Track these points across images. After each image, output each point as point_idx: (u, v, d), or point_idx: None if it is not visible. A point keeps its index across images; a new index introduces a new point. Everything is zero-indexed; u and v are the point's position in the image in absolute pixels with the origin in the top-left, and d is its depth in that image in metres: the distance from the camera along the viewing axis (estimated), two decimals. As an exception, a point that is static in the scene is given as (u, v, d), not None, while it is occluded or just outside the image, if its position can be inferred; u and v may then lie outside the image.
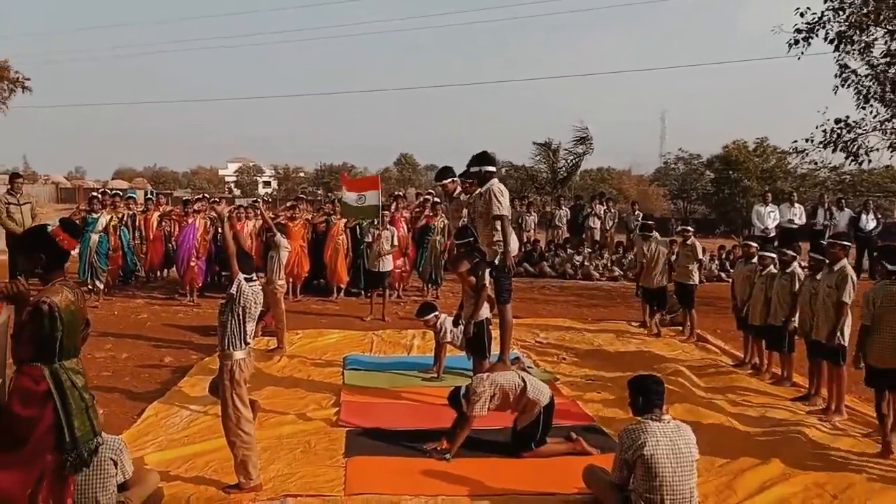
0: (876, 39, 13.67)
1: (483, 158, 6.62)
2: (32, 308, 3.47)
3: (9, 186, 11.86)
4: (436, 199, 14.03)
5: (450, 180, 7.04)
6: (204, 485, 4.87)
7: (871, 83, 13.88)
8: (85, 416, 3.58)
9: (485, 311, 6.84)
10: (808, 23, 13.96)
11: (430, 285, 13.29)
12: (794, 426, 6.20)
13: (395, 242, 11.39)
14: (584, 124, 21.55)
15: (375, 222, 11.36)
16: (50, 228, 3.72)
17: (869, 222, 15.84)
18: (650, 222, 10.98)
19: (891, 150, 13.90)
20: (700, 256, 10.17)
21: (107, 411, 6.10)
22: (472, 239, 6.83)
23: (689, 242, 10.10)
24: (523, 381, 5.62)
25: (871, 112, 13.95)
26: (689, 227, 10.43)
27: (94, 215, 11.88)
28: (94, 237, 11.65)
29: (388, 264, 11.15)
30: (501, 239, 6.50)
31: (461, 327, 7.04)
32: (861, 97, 13.95)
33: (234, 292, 4.75)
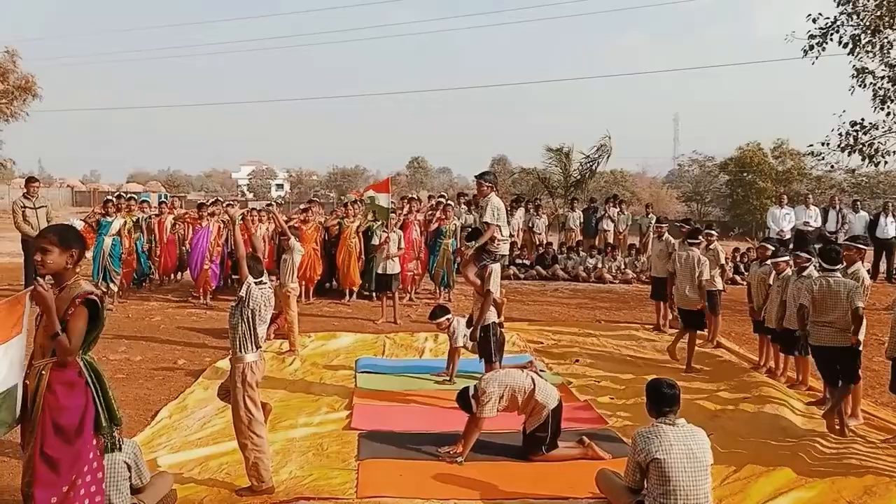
0: (892, 42, 13.56)
1: (485, 176, 7.37)
2: (83, 301, 3.52)
3: (25, 190, 11.95)
4: (448, 202, 14.04)
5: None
6: (217, 487, 4.89)
7: (888, 84, 13.76)
8: (113, 398, 3.77)
9: (492, 315, 6.83)
10: (821, 28, 13.89)
11: (442, 288, 13.29)
12: (810, 430, 6.14)
13: (402, 245, 11.39)
14: (607, 135, 21.72)
15: (384, 224, 11.37)
16: (81, 227, 3.80)
17: (888, 225, 15.59)
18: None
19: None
20: (722, 261, 10.01)
21: (121, 414, 6.12)
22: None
23: (711, 247, 9.93)
24: (533, 382, 5.60)
25: (888, 113, 13.82)
26: (713, 231, 10.26)
27: (109, 219, 11.95)
28: (108, 240, 11.71)
29: (395, 267, 11.12)
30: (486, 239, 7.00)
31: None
32: (878, 99, 13.83)
33: (244, 295, 4.77)
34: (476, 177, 7.48)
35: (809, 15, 13.96)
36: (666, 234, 10.97)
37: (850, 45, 13.70)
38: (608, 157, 22.01)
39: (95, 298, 3.58)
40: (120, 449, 3.99)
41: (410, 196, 15.24)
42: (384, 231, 11.26)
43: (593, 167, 22.27)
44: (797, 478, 5.11)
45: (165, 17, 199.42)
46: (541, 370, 8.05)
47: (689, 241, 8.93)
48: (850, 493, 4.89)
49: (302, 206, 14.29)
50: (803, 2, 14.78)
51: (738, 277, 15.76)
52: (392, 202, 12.15)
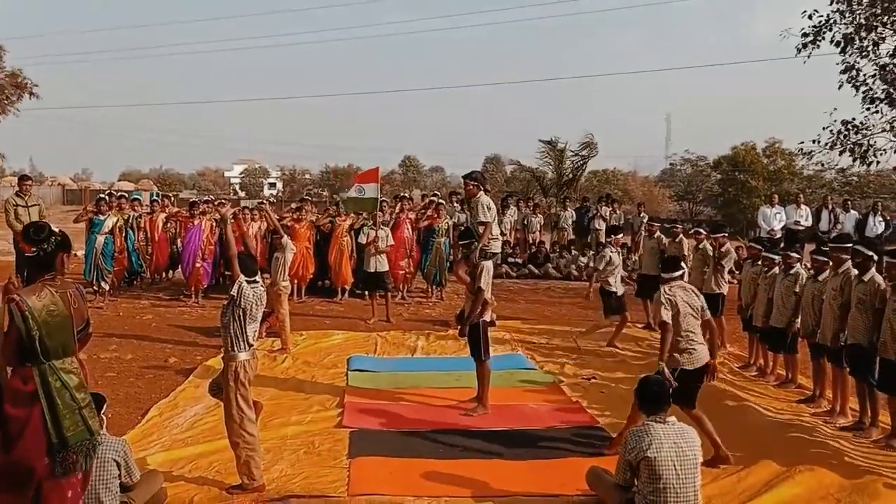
0: (884, 39, 13.61)
1: (471, 176, 7.28)
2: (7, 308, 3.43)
3: (17, 188, 11.88)
4: (440, 201, 14.04)
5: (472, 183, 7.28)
6: (207, 485, 4.89)
7: (877, 84, 13.83)
8: (77, 415, 3.48)
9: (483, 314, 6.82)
10: (814, 26, 13.94)
11: (434, 287, 13.29)
12: (799, 428, 6.17)
13: (391, 241, 11.33)
14: (590, 133, 22.16)
15: (370, 223, 11.32)
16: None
17: (877, 224, 15.63)
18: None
19: (898, 151, 13.86)
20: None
21: (111, 412, 6.12)
22: (473, 240, 6.86)
23: (701, 247, 9.94)
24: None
25: (877, 113, 13.89)
26: (702, 230, 10.26)
27: (101, 217, 11.92)
28: (100, 238, 11.69)
29: (383, 264, 11.07)
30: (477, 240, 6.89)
31: None
32: (867, 98, 13.89)
33: (235, 294, 4.76)
34: (463, 177, 7.47)
35: (805, 12, 14.01)
36: (657, 233, 10.97)
37: (843, 44, 13.77)
38: (595, 154, 22.37)
39: (10, 306, 3.35)
40: (82, 468, 3.59)
41: (402, 195, 15.22)
42: (371, 228, 11.20)
43: (583, 164, 22.44)
44: (786, 475, 5.10)
45: (159, 15, 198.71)
46: (531, 368, 8.07)
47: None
48: (837, 490, 4.91)
49: (294, 205, 14.27)
50: (797, 2, 14.80)
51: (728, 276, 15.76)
52: (384, 200, 12.10)
